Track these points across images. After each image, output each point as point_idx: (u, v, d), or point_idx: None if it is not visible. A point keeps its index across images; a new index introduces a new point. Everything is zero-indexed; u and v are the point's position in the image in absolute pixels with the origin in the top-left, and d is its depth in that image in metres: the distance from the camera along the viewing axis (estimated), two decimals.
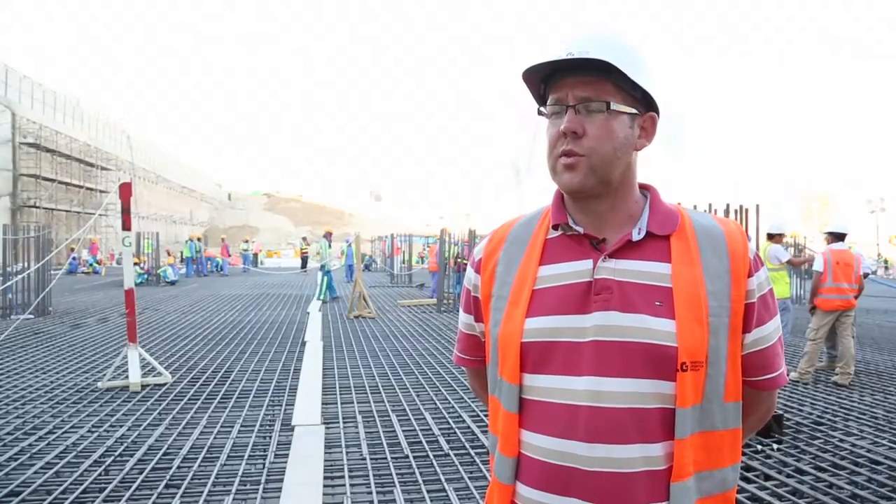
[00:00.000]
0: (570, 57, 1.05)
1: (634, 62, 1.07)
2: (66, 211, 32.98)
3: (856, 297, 6.84)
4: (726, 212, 8.56)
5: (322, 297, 15.22)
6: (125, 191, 6.59)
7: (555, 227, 1.14)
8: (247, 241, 36.00)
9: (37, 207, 29.89)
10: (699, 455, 1.02)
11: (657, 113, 1.13)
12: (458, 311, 12.76)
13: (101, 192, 36.05)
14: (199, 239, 29.76)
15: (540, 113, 1.14)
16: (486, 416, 5.18)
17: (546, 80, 1.12)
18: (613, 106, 1.06)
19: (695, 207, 8.45)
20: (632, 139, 1.09)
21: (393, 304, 15.07)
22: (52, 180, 31.40)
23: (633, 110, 1.09)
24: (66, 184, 33.20)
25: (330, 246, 18.06)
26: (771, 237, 7.60)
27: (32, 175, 30.05)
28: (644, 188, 1.17)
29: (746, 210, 8.90)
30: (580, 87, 1.07)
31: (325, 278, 15.50)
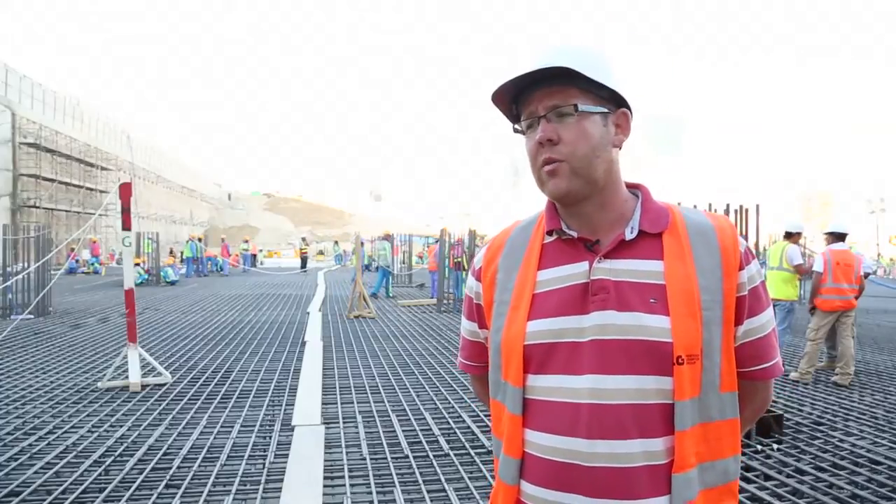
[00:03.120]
0: (531, 70, 1.08)
1: (595, 64, 1.09)
2: (66, 211, 32.99)
3: (856, 298, 6.84)
4: (726, 212, 8.55)
5: (389, 293, 17.10)
6: (125, 191, 6.59)
7: (549, 233, 1.17)
8: (247, 241, 36.01)
9: (37, 207, 29.89)
10: (700, 446, 1.05)
11: (629, 108, 1.16)
12: (457, 311, 12.78)
13: (101, 192, 36.06)
14: (199, 239, 29.77)
15: (516, 131, 1.18)
16: (486, 416, 5.18)
17: (516, 99, 1.15)
18: (581, 108, 1.09)
19: (694, 207, 8.47)
20: (608, 137, 1.12)
21: (393, 304, 15.07)
22: (52, 180, 31.41)
23: (604, 109, 1.11)
24: (66, 184, 33.20)
25: (392, 247, 19.70)
26: (790, 236, 7.57)
27: (32, 175, 30.05)
28: (635, 187, 1.20)
29: (746, 210, 8.89)
30: (548, 97, 1.10)
31: (386, 278, 17.30)
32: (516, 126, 1.17)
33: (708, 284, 1.06)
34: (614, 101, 1.13)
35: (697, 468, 1.04)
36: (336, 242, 45.53)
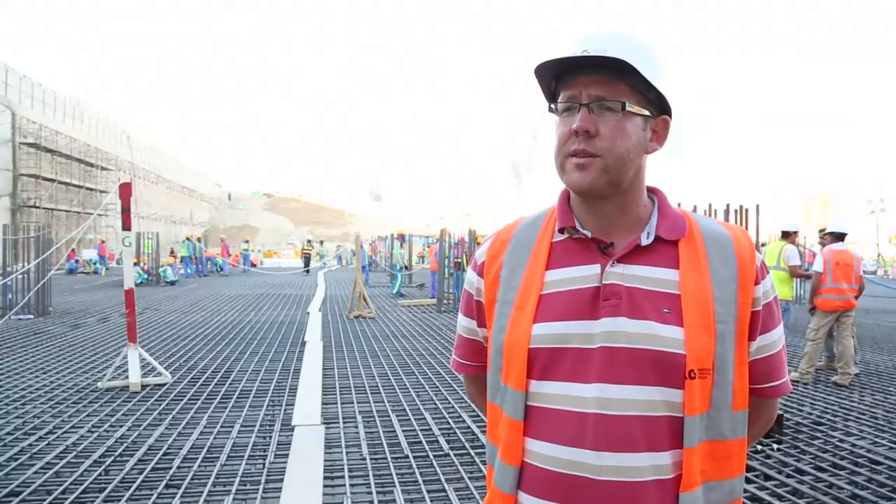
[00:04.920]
0: (585, 55, 1.02)
1: (651, 63, 1.04)
2: (66, 211, 32.98)
3: (856, 298, 6.83)
4: (726, 212, 8.57)
5: (394, 292, 17.66)
6: (125, 191, 6.59)
7: (561, 231, 1.11)
8: (247, 241, 35.94)
9: (37, 207, 29.88)
10: (707, 464, 1.01)
11: (670, 116, 1.11)
12: (457, 311, 12.66)
13: (101, 192, 36.05)
14: (198, 238, 29.77)
15: (550, 110, 1.11)
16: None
17: (558, 77, 1.08)
18: (628, 107, 1.04)
19: (695, 208, 8.48)
20: (644, 142, 1.07)
21: (393, 304, 15.07)
22: (52, 180, 31.40)
23: (647, 112, 1.06)
24: (66, 184, 33.19)
25: (402, 247, 20.37)
26: (787, 235, 7.58)
27: (32, 175, 30.05)
28: (651, 191, 1.15)
29: (746, 210, 8.90)
30: (595, 86, 1.04)
31: (399, 277, 18.21)
32: (552, 105, 1.10)
33: (723, 297, 1.03)
34: (658, 107, 1.08)
35: (703, 487, 1.00)
36: (321, 243, 45.25)
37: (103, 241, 31.19)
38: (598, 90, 1.04)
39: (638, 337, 1.01)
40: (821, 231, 7.63)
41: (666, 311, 1.02)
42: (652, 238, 1.07)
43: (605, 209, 1.09)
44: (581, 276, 1.07)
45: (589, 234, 1.09)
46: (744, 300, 1.04)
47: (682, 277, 1.04)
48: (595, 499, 0.98)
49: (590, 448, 0.99)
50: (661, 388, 0.99)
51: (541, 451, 1.03)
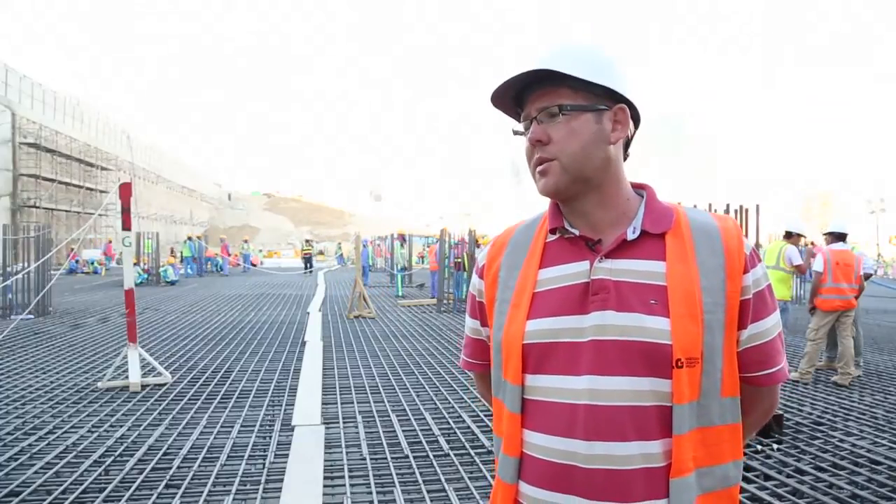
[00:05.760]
0: (518, 74, 1.09)
1: (587, 61, 1.09)
2: (66, 211, 32.99)
3: (856, 298, 6.83)
4: (726, 212, 8.57)
5: (400, 293, 17.82)
6: (125, 191, 6.59)
7: (552, 232, 1.16)
8: (247, 241, 35.94)
9: (37, 207, 29.89)
10: (698, 451, 1.03)
11: (628, 104, 1.13)
12: (457, 311, 12.67)
13: (101, 192, 36.08)
14: (199, 237, 29.76)
15: (515, 133, 1.18)
16: (486, 416, 5.19)
17: (520, 102, 1.17)
18: (567, 108, 1.09)
19: (694, 206, 8.48)
20: (602, 134, 1.11)
21: (393, 304, 15.07)
22: (52, 180, 31.41)
23: (598, 106, 1.10)
24: (66, 184, 33.20)
25: (402, 247, 20.55)
26: (789, 236, 7.57)
27: (32, 175, 30.06)
28: (640, 187, 1.19)
29: (746, 210, 8.91)
30: (540, 100, 1.11)
31: (399, 276, 18.53)
32: (515, 128, 1.18)
33: (710, 286, 1.05)
34: (612, 98, 1.12)
35: (696, 473, 1.02)
36: (310, 241, 45.00)
37: (111, 241, 31.23)
38: (541, 102, 1.11)
39: (626, 329, 1.04)
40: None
41: (653, 302, 1.04)
42: (638, 232, 1.10)
43: (585, 207, 1.14)
44: (571, 273, 1.11)
45: (577, 233, 1.13)
46: (732, 289, 1.06)
47: (669, 269, 1.06)
48: (586, 487, 1.02)
49: (581, 438, 1.02)
50: (650, 378, 1.02)
51: (537, 442, 1.08)
